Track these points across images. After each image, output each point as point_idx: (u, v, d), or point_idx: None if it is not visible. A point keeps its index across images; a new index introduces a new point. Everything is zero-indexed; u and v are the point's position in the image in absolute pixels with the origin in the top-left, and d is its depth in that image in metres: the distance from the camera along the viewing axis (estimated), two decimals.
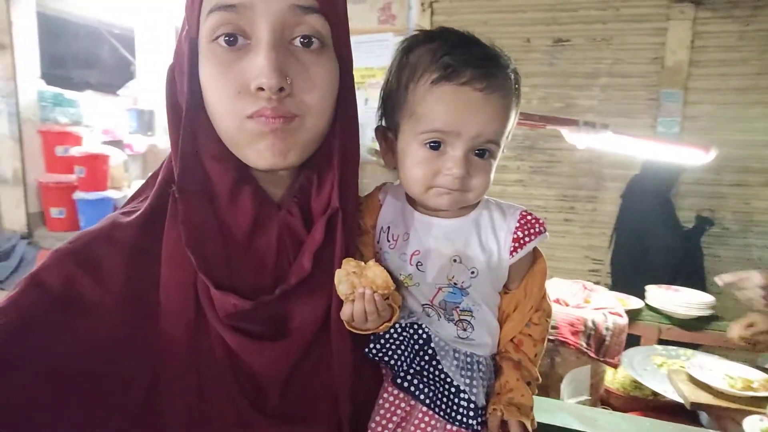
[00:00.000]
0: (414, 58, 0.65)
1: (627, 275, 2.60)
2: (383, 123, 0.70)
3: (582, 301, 1.57)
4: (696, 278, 2.48)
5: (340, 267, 0.59)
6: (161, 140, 4.16)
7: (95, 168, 3.35)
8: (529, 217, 0.68)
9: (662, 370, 1.51)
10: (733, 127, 2.87)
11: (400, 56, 0.67)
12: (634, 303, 1.85)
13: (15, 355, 0.49)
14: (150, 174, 0.65)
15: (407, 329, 0.65)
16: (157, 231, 0.57)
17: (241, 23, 0.53)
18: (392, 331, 0.65)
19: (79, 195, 3.28)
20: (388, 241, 0.69)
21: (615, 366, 1.39)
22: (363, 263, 0.58)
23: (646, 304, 1.88)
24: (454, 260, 0.66)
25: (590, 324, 1.34)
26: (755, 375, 1.38)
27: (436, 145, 0.63)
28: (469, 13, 3.42)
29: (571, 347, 1.29)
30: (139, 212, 0.59)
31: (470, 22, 3.40)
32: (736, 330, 1.49)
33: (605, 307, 1.50)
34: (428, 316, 0.67)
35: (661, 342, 1.79)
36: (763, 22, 2.81)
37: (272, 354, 0.57)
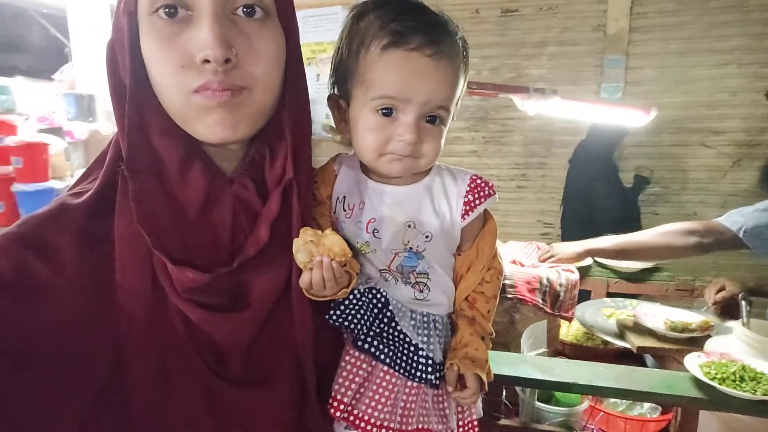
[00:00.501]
0: (363, 25, 0.65)
1: (575, 235, 2.73)
2: (335, 91, 0.71)
3: (537, 261, 1.65)
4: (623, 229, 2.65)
5: (297, 236, 0.60)
6: (104, 126, 3.96)
7: (34, 158, 3.18)
8: (478, 181, 0.70)
9: (611, 320, 1.61)
10: (674, 89, 3.01)
11: (350, 24, 0.67)
12: (585, 260, 1.95)
13: None
14: (98, 155, 0.64)
15: (366, 294, 0.67)
16: (108, 211, 0.57)
17: None
18: (351, 297, 0.66)
19: (18, 187, 3.11)
20: (344, 210, 0.71)
21: (569, 319, 1.47)
22: (320, 232, 0.59)
23: (595, 261, 1.99)
24: (409, 226, 0.68)
25: (545, 281, 1.41)
26: (693, 318, 1.50)
27: (387, 112, 0.63)
28: None
29: (529, 304, 1.36)
30: (88, 193, 0.58)
31: None
32: (711, 295, 1.64)
33: (557, 265, 1.58)
34: (386, 280, 0.69)
35: (609, 295, 1.91)
36: None
37: (233, 324, 0.58)
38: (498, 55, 3.30)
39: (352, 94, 0.66)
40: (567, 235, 2.87)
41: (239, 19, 0.55)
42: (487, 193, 0.70)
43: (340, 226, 0.71)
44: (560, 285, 1.44)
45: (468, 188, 0.70)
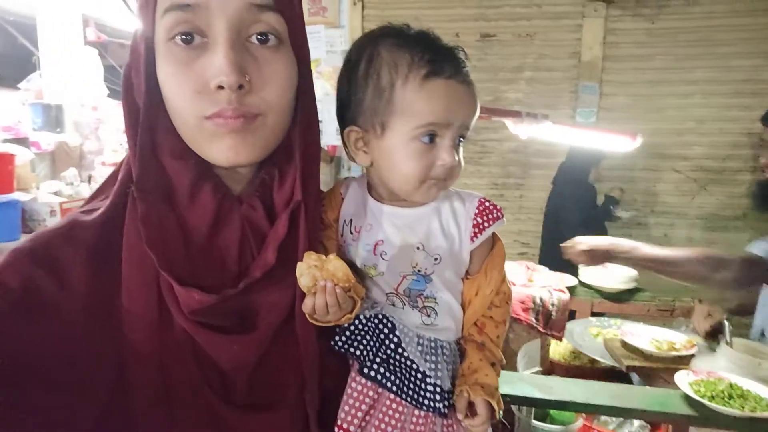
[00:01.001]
0: (390, 58, 0.65)
1: (554, 255, 2.80)
2: (358, 125, 0.69)
3: (526, 280, 1.67)
4: None
5: (308, 252, 0.59)
6: (72, 137, 3.83)
7: None
8: (487, 204, 0.70)
9: (598, 340, 1.63)
10: (646, 117, 3.15)
11: (367, 58, 0.67)
12: (569, 280, 1.99)
13: None
14: (110, 173, 0.64)
15: (372, 320, 0.66)
16: (117, 230, 0.57)
17: (197, 22, 0.53)
18: (357, 322, 0.66)
19: None
20: (351, 233, 0.70)
21: (560, 338, 1.49)
22: (324, 257, 0.58)
23: (579, 281, 2.03)
24: (418, 248, 0.68)
25: (538, 301, 1.43)
26: (677, 338, 1.54)
27: (431, 138, 0.64)
28: (400, 8, 3.47)
29: (523, 323, 1.37)
30: (99, 211, 0.59)
31: (401, 17, 3.40)
32: (701, 325, 1.67)
33: (548, 285, 1.60)
34: (393, 305, 0.68)
35: (594, 314, 1.95)
36: (668, 20, 3.11)
37: (239, 347, 0.58)
38: (477, 78, 3.29)
39: (388, 126, 0.66)
40: (546, 255, 2.92)
41: (253, 47, 0.56)
42: (495, 216, 0.70)
43: (346, 249, 0.70)
44: (552, 305, 1.46)
45: (476, 210, 0.70)
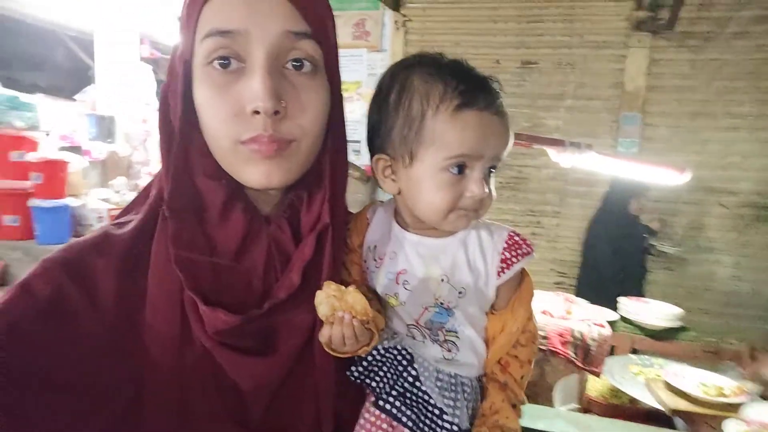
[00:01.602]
0: (422, 88, 0.64)
1: (592, 287, 2.72)
2: (386, 153, 0.68)
3: (564, 312, 1.64)
4: (636, 284, 2.64)
5: (328, 281, 0.59)
6: (122, 147, 4.00)
7: (53, 175, 3.18)
8: (516, 238, 0.68)
9: (639, 379, 1.58)
10: (689, 149, 3.08)
11: (399, 86, 0.66)
12: (609, 315, 1.93)
13: (1, 364, 0.49)
14: (143, 187, 0.66)
15: (390, 351, 0.65)
16: (147, 245, 0.58)
17: (236, 47, 0.54)
18: (375, 353, 0.64)
19: (34, 202, 3.10)
20: (375, 260, 0.69)
21: (598, 375, 1.45)
22: (343, 287, 0.58)
23: (621, 316, 1.97)
24: (441, 280, 0.66)
25: (577, 334, 1.39)
26: (726, 383, 1.48)
27: (460, 169, 0.64)
28: (442, 33, 3.53)
29: (561, 357, 1.34)
30: (131, 225, 0.60)
31: (443, 42, 3.50)
32: (747, 368, 1.60)
33: (588, 318, 1.57)
34: (413, 337, 0.67)
35: (635, 352, 1.88)
36: (714, 52, 3.05)
37: (260, 369, 0.58)
38: (515, 105, 3.38)
39: (416, 156, 0.65)
40: (584, 287, 2.86)
41: (289, 73, 0.57)
42: (524, 251, 0.67)
43: (369, 276, 0.69)
44: (592, 339, 1.42)
45: (505, 245, 0.67)
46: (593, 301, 1.95)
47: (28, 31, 5.19)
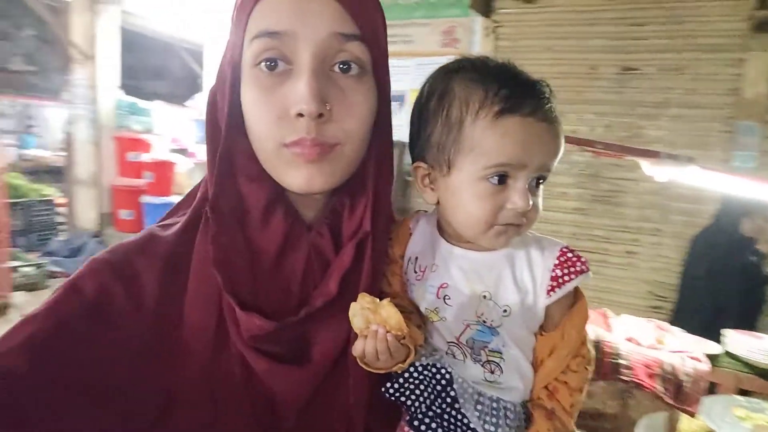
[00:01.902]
0: (461, 92, 0.62)
1: (692, 314, 2.47)
2: (425, 161, 0.65)
3: (654, 341, 1.50)
4: (747, 316, 2.34)
5: (366, 291, 0.57)
6: None
7: (162, 174, 3.52)
8: (569, 254, 0.63)
9: (746, 425, 1.40)
10: None
11: (442, 90, 0.64)
12: (711, 347, 1.74)
13: (47, 358, 0.50)
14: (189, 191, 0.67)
15: (428, 369, 0.62)
16: (190, 247, 0.58)
17: (284, 49, 0.54)
18: (412, 370, 0.61)
19: (146, 199, 3.45)
20: (415, 272, 0.66)
21: (692, 414, 1.30)
22: (378, 300, 0.55)
23: (726, 351, 1.76)
24: (484, 296, 0.62)
25: (668, 367, 1.27)
26: None
27: (501, 179, 0.60)
28: (534, 38, 3.40)
29: (647, 390, 1.22)
30: (176, 227, 0.61)
31: (534, 48, 3.38)
32: None
33: (683, 350, 1.42)
34: (453, 356, 0.63)
35: (742, 392, 1.66)
36: None
37: (294, 378, 0.57)
38: (613, 113, 3.17)
39: (455, 164, 0.62)
40: (683, 314, 2.60)
41: (336, 75, 0.56)
42: (578, 269, 0.62)
43: (409, 288, 0.67)
44: (686, 374, 1.29)
45: (557, 261, 0.63)
46: (693, 331, 1.76)
47: (151, 45, 5.79)
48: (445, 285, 0.64)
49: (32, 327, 0.51)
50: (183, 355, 0.55)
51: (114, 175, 3.65)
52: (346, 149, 0.57)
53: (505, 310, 0.62)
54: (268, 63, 0.54)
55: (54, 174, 5.97)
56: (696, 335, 1.79)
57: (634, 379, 1.24)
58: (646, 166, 1.48)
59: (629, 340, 1.43)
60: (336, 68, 0.56)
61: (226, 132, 0.57)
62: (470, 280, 0.63)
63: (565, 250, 0.64)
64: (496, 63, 0.64)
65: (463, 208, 0.62)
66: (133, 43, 5.10)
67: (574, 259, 0.63)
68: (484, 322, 0.62)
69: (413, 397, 0.61)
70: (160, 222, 0.65)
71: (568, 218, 3.25)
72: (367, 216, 0.60)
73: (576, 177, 3.24)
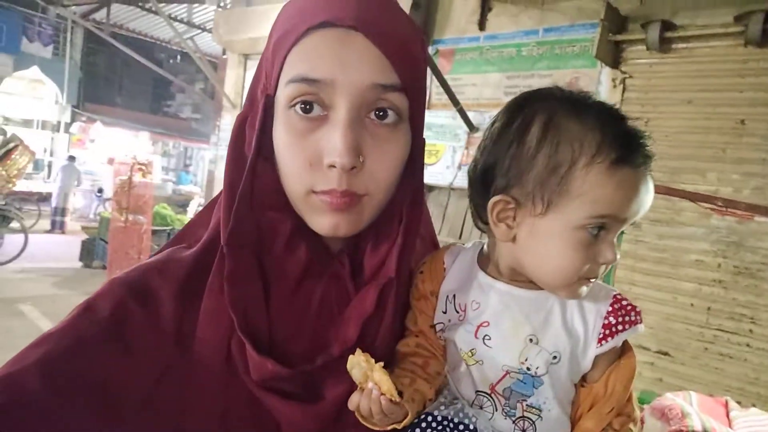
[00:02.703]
0: (574, 130, 0.56)
1: None
2: (510, 194, 0.59)
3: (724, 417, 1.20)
4: None
5: (386, 338, 0.57)
6: None
7: None
8: (624, 302, 0.59)
9: None
10: None
11: (541, 123, 0.58)
12: None
13: (61, 378, 0.50)
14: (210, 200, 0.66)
15: (449, 421, 0.57)
16: (206, 272, 0.57)
17: (321, 95, 0.53)
18: (430, 419, 0.57)
19: None
20: (457, 311, 0.61)
21: None
22: (372, 361, 0.53)
23: None
24: (530, 340, 0.57)
25: None
26: None
27: (598, 231, 0.56)
28: (669, 91, 3.14)
29: None
30: (193, 249, 0.60)
31: (671, 101, 3.11)
32: None
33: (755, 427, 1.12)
34: (480, 406, 0.58)
35: None
36: None
37: (305, 415, 0.55)
38: (764, 173, 2.75)
39: (554, 205, 0.57)
40: None
41: (371, 123, 0.55)
42: (633, 319, 0.58)
43: (449, 329, 0.61)
44: None
45: (610, 308, 0.58)
46: None
47: None
48: (485, 324, 0.59)
49: (47, 347, 0.51)
50: (194, 379, 0.55)
51: None
52: (374, 200, 0.56)
53: (555, 356, 0.57)
54: (304, 106, 0.54)
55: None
56: None
57: None
58: None
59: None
60: (372, 115, 0.55)
61: (252, 162, 0.56)
62: (515, 321, 0.58)
63: (619, 297, 0.59)
64: (595, 100, 0.60)
65: (553, 254, 0.57)
66: None
67: (629, 308, 0.59)
68: (528, 370, 0.57)
69: None
70: (181, 242, 0.65)
71: (705, 290, 2.84)
72: (392, 260, 0.58)
73: (714, 244, 2.84)
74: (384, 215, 0.60)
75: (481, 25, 3.99)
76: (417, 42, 0.58)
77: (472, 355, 0.59)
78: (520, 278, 0.60)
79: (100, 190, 11.25)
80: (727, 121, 2.86)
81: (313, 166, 0.54)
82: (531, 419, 0.57)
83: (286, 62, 0.55)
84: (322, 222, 0.56)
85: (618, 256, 0.58)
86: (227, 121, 4.72)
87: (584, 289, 0.58)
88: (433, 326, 0.63)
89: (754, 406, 1.48)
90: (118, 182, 4.92)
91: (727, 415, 1.30)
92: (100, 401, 0.51)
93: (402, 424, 0.55)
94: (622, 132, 0.56)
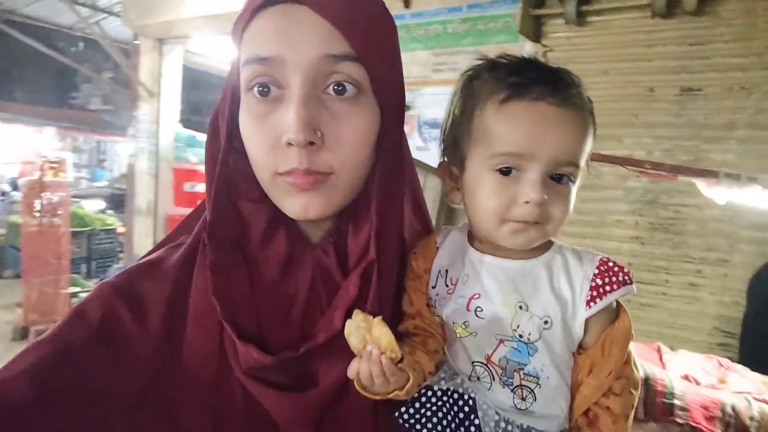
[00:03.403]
0: (477, 84, 0.60)
1: (760, 351, 2.22)
2: (445, 159, 0.65)
3: (716, 380, 1.35)
4: None
5: (357, 310, 0.55)
6: None
7: None
8: (610, 264, 0.59)
9: None
10: None
11: (461, 86, 0.63)
12: None
13: (51, 384, 0.50)
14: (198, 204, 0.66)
15: (448, 394, 0.58)
16: (191, 271, 0.58)
17: (274, 75, 0.53)
18: (429, 394, 0.58)
19: None
20: (447, 285, 0.63)
21: None
22: (370, 318, 0.52)
23: None
24: (520, 307, 0.58)
25: (729, 410, 1.13)
26: None
27: (507, 170, 0.57)
28: (588, 62, 3.30)
29: None
30: (180, 250, 0.61)
31: (589, 71, 3.26)
32: None
33: (748, 391, 1.27)
34: (477, 378, 0.59)
35: None
36: None
37: (293, 405, 0.55)
38: (673, 136, 2.99)
39: (467, 158, 0.60)
40: (748, 350, 2.34)
41: (330, 98, 0.54)
42: (621, 279, 0.58)
43: (439, 303, 0.63)
44: (751, 418, 1.14)
45: (596, 271, 0.59)
46: (761, 370, 1.57)
47: (213, 82, 6.15)
48: (476, 296, 0.60)
49: (37, 353, 0.51)
50: (186, 380, 0.55)
51: (170, 204, 3.85)
52: (342, 178, 0.55)
53: (546, 321, 0.57)
54: (260, 89, 0.53)
55: (119, 204, 6.41)
56: (764, 374, 1.59)
57: (689, 422, 1.12)
58: (704, 187, 1.38)
59: (685, 378, 1.30)
60: (330, 90, 0.54)
61: (224, 155, 0.56)
62: (504, 290, 0.59)
63: (605, 259, 0.60)
64: (522, 57, 0.61)
65: (477, 202, 0.59)
66: (195, 81, 5.45)
67: (616, 269, 0.59)
68: (521, 337, 0.57)
69: (429, 425, 0.57)
70: (170, 244, 0.64)
71: (625, 247, 3.06)
72: (372, 242, 0.57)
73: (632, 204, 3.07)
74: (361, 197, 0.59)
75: (407, 3, 4.00)
76: (371, 8, 0.57)
77: (466, 328, 0.60)
78: (503, 249, 0.61)
79: (4, 193, 10.32)
80: (639, 88, 3.07)
81: (275, 148, 0.53)
82: (530, 387, 0.57)
83: (241, 46, 0.54)
84: (292, 205, 0.55)
85: (546, 197, 0.56)
86: (145, 111, 4.45)
87: (525, 236, 0.57)
88: (430, 305, 0.64)
89: (671, 348, 1.64)
90: (26, 183, 4.52)
91: (660, 359, 1.43)
92: (90, 407, 0.50)
93: (404, 391, 0.53)
94: (519, 74, 0.57)
